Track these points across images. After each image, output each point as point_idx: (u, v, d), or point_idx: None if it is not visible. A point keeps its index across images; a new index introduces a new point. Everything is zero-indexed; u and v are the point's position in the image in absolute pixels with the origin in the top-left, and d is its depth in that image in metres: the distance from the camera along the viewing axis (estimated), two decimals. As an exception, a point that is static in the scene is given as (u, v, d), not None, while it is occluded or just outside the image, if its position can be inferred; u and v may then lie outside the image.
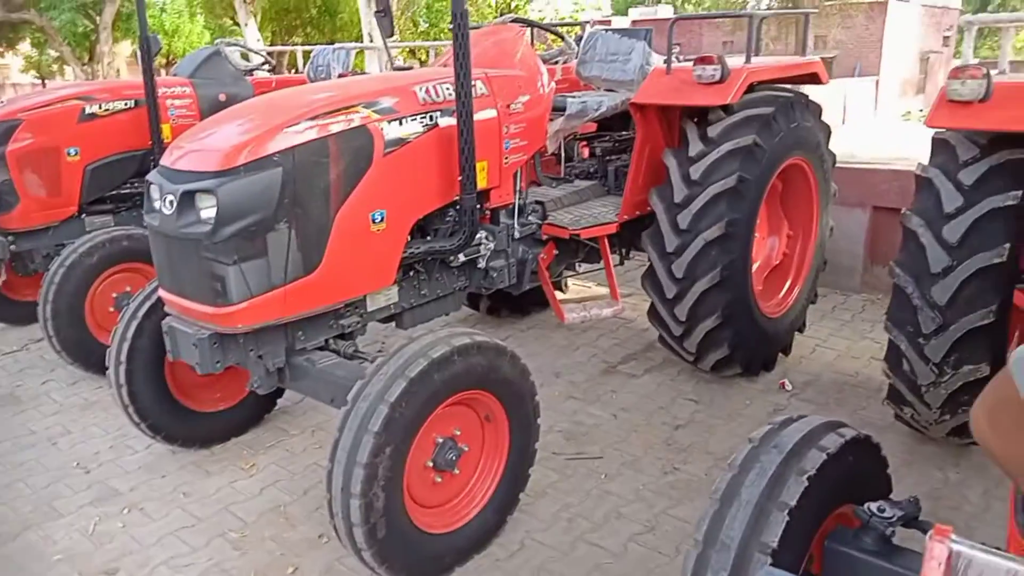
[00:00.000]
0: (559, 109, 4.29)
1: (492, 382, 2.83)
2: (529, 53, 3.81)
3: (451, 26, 3.01)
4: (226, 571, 2.96)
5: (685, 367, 4.50)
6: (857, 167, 5.90)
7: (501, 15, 13.27)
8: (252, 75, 5.95)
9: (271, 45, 26.73)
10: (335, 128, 2.89)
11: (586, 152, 4.87)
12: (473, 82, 3.39)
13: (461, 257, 3.57)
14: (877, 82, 26.51)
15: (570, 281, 5.63)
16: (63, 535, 3.20)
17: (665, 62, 4.02)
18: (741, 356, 4.17)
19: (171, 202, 2.73)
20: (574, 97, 4.37)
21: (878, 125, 23.66)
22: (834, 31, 19.41)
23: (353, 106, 2.98)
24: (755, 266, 4.59)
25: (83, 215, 5.03)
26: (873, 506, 1.86)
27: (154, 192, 2.83)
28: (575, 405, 4.22)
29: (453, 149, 3.21)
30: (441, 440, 2.79)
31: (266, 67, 6.14)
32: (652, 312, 4.16)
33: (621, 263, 4.72)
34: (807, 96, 4.27)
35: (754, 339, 4.19)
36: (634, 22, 35.28)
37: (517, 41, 3.79)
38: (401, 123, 3.09)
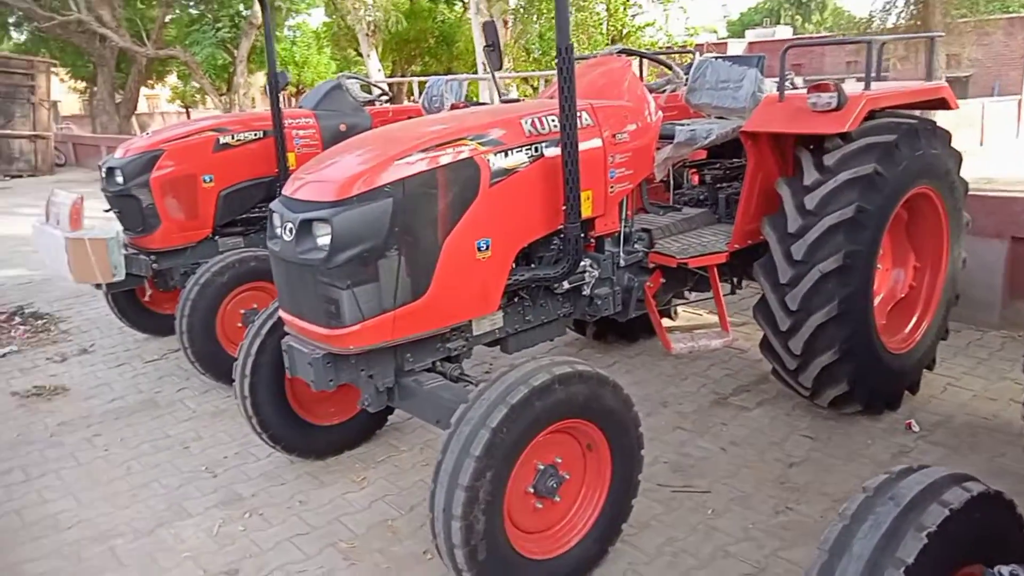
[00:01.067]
0: (668, 137, 4.28)
1: (593, 411, 2.84)
2: (635, 83, 3.83)
3: (556, 59, 3.08)
4: (335, 581, 3.10)
5: (800, 402, 4.34)
6: (995, 194, 5.54)
7: (612, 42, 13.33)
8: (371, 105, 6.26)
9: (391, 74, 27.94)
10: (444, 160, 3.00)
11: (696, 180, 4.81)
12: (580, 113, 3.47)
13: (566, 284, 3.61)
14: (1020, 102, 24.67)
15: (680, 309, 5.56)
16: (191, 534, 3.45)
17: (778, 89, 3.93)
18: (861, 393, 3.97)
19: (291, 229, 2.92)
20: (683, 125, 4.34)
21: (1021, 148, 22.01)
22: (968, 49, 18.24)
23: (462, 139, 3.09)
24: (878, 299, 4.38)
25: (216, 237, 5.43)
26: (1005, 569, 1.74)
27: (276, 220, 3.03)
28: (683, 436, 4.15)
29: (558, 179, 3.26)
30: (542, 467, 2.82)
31: (384, 98, 6.45)
32: (765, 344, 4.04)
33: (732, 292, 4.62)
34: (934, 122, 4.06)
35: (876, 375, 3.99)
36: (751, 44, 34.53)
37: (623, 72, 3.82)
38: (507, 155, 3.18)
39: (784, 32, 42.31)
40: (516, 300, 3.58)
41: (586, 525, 2.96)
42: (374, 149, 3.09)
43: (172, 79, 37.38)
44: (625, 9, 13.52)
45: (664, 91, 4.58)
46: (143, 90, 39.60)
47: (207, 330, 4.76)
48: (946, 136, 4.14)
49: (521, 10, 15.35)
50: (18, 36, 34.65)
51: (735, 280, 4.55)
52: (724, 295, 4.31)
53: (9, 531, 3.55)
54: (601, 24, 13.69)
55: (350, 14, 20.19)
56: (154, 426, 4.60)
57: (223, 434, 4.41)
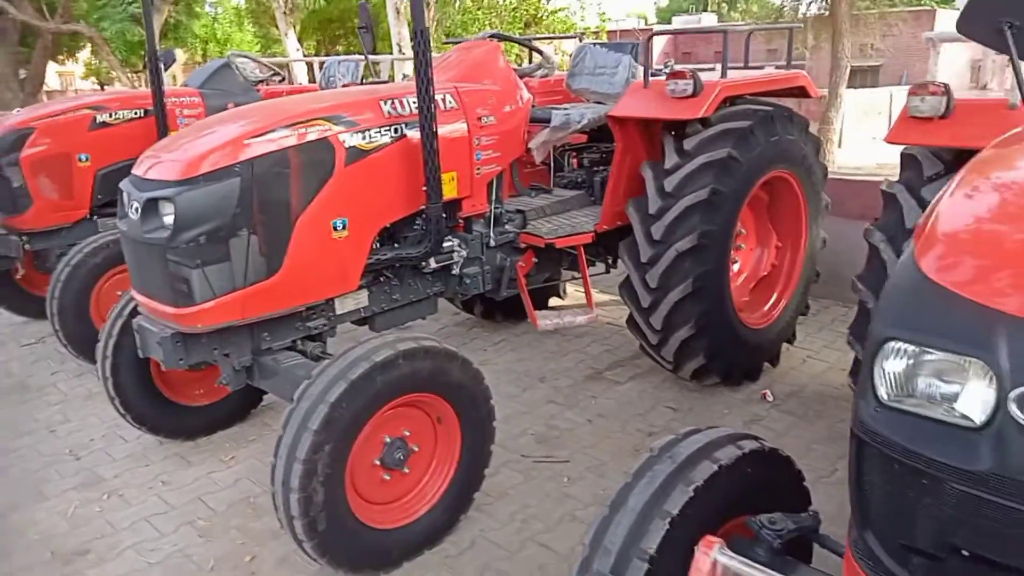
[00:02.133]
0: (545, 121, 4.38)
1: (441, 385, 2.92)
2: (504, 67, 3.90)
3: (412, 43, 3.12)
4: (188, 556, 3.11)
5: (669, 375, 4.53)
6: (860, 178, 5.85)
7: (526, 27, 13.42)
8: (263, 85, 6.16)
9: (316, 54, 27.32)
10: (295, 140, 3.02)
11: (576, 164, 4.93)
12: (442, 95, 3.53)
13: (433, 264, 3.66)
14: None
15: (569, 288, 5.70)
16: (44, 517, 3.40)
17: (644, 76, 4.07)
18: (719, 365, 4.18)
19: (137, 209, 2.89)
20: (559, 109, 4.45)
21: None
22: (878, 39, 19.04)
23: (316, 119, 3.10)
24: (742, 277, 4.60)
25: (96, 218, 5.28)
26: (765, 518, 1.89)
27: (125, 199, 3.00)
28: (553, 409, 4.28)
29: (419, 160, 3.31)
30: (389, 440, 2.88)
31: (276, 78, 6.36)
32: (630, 320, 4.20)
33: (607, 271, 4.77)
34: (790, 109, 4.27)
35: (734, 349, 4.20)
36: (677, 31, 35.15)
37: (493, 56, 3.89)
38: (364, 135, 3.21)
39: (709, 19, 43.06)
40: (382, 279, 3.63)
41: (436, 495, 3.05)
42: (226, 128, 3.08)
43: (86, 54, 35.77)
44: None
45: (535, 76, 4.67)
46: (56, 67, 37.71)
47: (80, 312, 4.65)
48: (803, 123, 4.36)
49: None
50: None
51: (611, 260, 4.70)
52: (599, 274, 4.42)
53: None
54: (514, 9, 13.75)
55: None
56: (21, 410, 4.48)
57: (93, 417, 4.33)
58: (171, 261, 2.86)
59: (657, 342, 4.06)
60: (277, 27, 27.30)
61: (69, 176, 5.03)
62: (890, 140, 3.18)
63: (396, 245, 3.55)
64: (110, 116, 5.17)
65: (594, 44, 4.78)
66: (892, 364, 1.23)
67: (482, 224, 3.94)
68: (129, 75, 22.50)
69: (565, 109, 4.45)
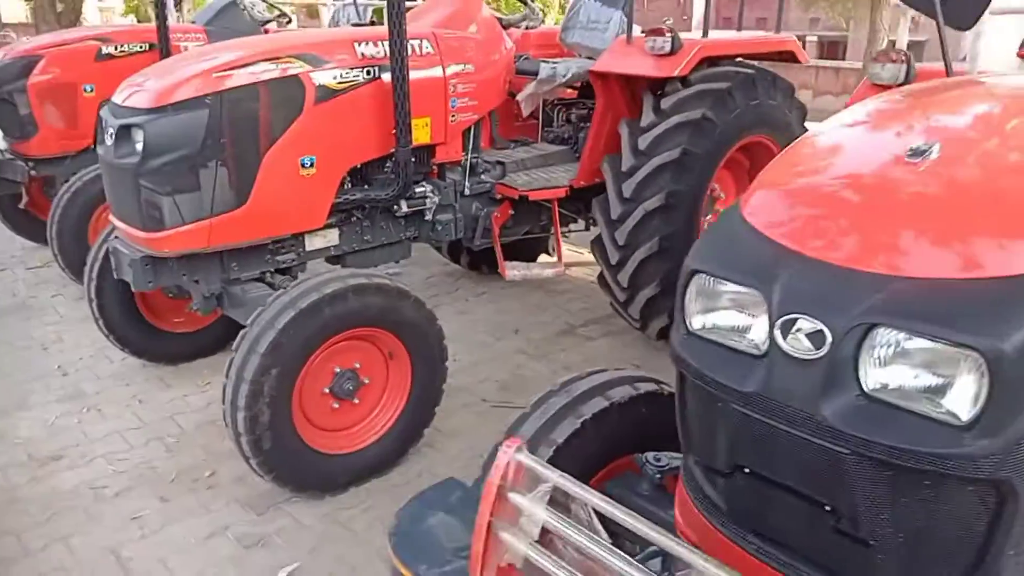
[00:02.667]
0: (532, 73, 4.42)
1: (391, 322, 3.05)
2: (487, 17, 3.94)
3: (386, -14, 3.19)
4: (153, 468, 3.31)
5: (640, 335, 4.61)
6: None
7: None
8: (269, 25, 6.24)
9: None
10: (265, 76, 3.12)
11: (566, 119, 4.97)
12: (420, 40, 3.60)
13: (404, 207, 3.76)
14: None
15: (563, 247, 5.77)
16: (26, 425, 3.62)
17: (627, 32, 4.08)
18: (684, 325, 4.24)
19: (112, 134, 3.03)
20: (547, 62, 4.48)
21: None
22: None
23: (287, 57, 3.19)
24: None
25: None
26: (651, 455, 2.00)
27: (103, 125, 3.13)
28: (521, 360, 4.40)
29: (391, 103, 3.40)
30: (340, 370, 3.03)
31: (284, 20, 6.43)
32: (601, 278, 4.28)
33: (587, 228, 4.84)
34: (774, 74, 4.26)
35: (701, 310, 4.26)
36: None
37: (475, 4, 3.92)
38: (336, 76, 3.30)
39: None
40: (353, 219, 3.74)
41: (385, 427, 3.20)
42: (201, 60, 3.18)
43: (125, -9, 35.90)
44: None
45: (520, 27, 4.69)
46: (97, 2, 37.93)
47: (79, 237, 4.84)
48: (788, 88, 4.35)
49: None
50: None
51: (590, 217, 4.75)
52: (579, 231, 4.49)
53: None
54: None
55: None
56: (20, 328, 4.72)
57: (85, 338, 4.54)
58: (143, 187, 3.00)
59: (624, 299, 4.14)
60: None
61: (74, 105, 5.19)
62: (848, 105, 3.19)
63: (366, 186, 3.65)
64: (115, 48, 5.30)
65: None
66: (695, 295, 1.32)
67: (458, 172, 4.02)
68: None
69: (553, 63, 4.48)
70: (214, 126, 3.01)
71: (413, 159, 3.60)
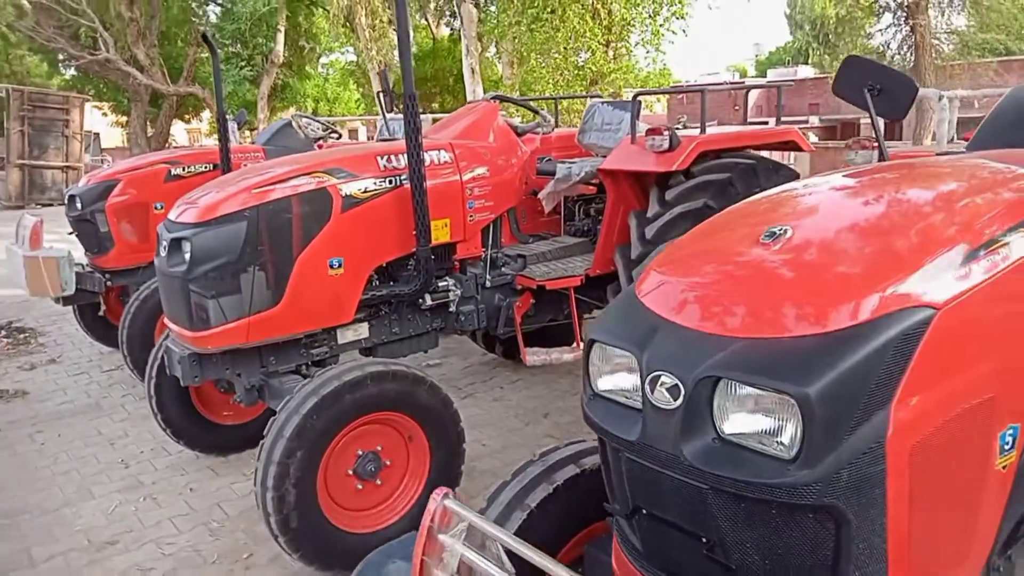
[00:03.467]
0: (552, 173, 4.78)
1: (408, 406, 3.30)
2: (502, 126, 4.33)
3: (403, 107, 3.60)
4: (198, 551, 3.57)
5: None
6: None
7: (592, 84, 13.95)
8: (322, 142, 6.85)
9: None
10: (298, 190, 3.53)
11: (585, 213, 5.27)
12: (438, 151, 4.00)
13: (428, 300, 4.07)
14: None
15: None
16: (88, 512, 3.96)
17: (632, 132, 4.41)
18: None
19: (165, 247, 3.46)
20: (564, 163, 4.83)
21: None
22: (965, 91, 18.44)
23: (316, 172, 3.61)
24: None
25: (168, 258, 6.01)
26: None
27: (159, 239, 3.58)
28: (547, 443, 4.53)
29: (412, 208, 3.76)
30: (362, 453, 3.28)
31: (334, 135, 7.05)
32: None
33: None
34: (776, 163, 4.49)
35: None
36: (769, 82, 35.17)
37: (490, 115, 4.33)
38: (360, 187, 3.70)
39: (805, 72, 42.61)
40: (382, 313, 4.06)
41: (407, 506, 3.40)
42: (242, 179, 3.63)
43: (209, 114, 39.02)
44: (602, 53, 14.11)
45: (538, 132, 5.08)
46: (184, 125, 41.20)
47: (145, 341, 5.29)
48: (792, 175, 4.55)
49: (520, 53, 16.07)
50: (66, 72, 36.61)
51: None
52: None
53: (-61, 506, 4.10)
54: (579, 68, 14.28)
55: (363, 54, 21.17)
56: (91, 426, 5.15)
57: (147, 433, 4.93)
58: (191, 292, 3.40)
59: None
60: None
61: (146, 222, 5.78)
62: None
63: (392, 283, 3.99)
64: (183, 169, 5.93)
65: (603, 103, 5.16)
66: (595, 362, 1.52)
67: (479, 266, 4.33)
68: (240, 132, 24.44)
69: (570, 163, 4.83)
70: (252, 235, 3.41)
71: (434, 256, 3.93)
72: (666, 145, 4.07)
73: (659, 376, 1.34)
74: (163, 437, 4.73)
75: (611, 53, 14.23)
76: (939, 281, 1.27)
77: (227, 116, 5.90)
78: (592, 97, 5.76)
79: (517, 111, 9.43)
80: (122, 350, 5.34)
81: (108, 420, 5.25)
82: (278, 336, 3.59)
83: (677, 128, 4.32)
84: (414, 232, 3.79)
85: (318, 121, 6.88)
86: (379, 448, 3.32)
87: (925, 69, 15.98)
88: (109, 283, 5.85)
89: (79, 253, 6.01)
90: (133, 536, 3.72)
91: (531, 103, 5.26)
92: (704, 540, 1.34)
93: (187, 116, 36.65)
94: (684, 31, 15.23)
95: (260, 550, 3.55)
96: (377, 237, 3.79)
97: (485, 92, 14.00)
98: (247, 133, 25.77)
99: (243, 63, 24.29)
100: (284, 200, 3.50)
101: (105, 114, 37.58)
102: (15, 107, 20.45)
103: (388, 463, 3.34)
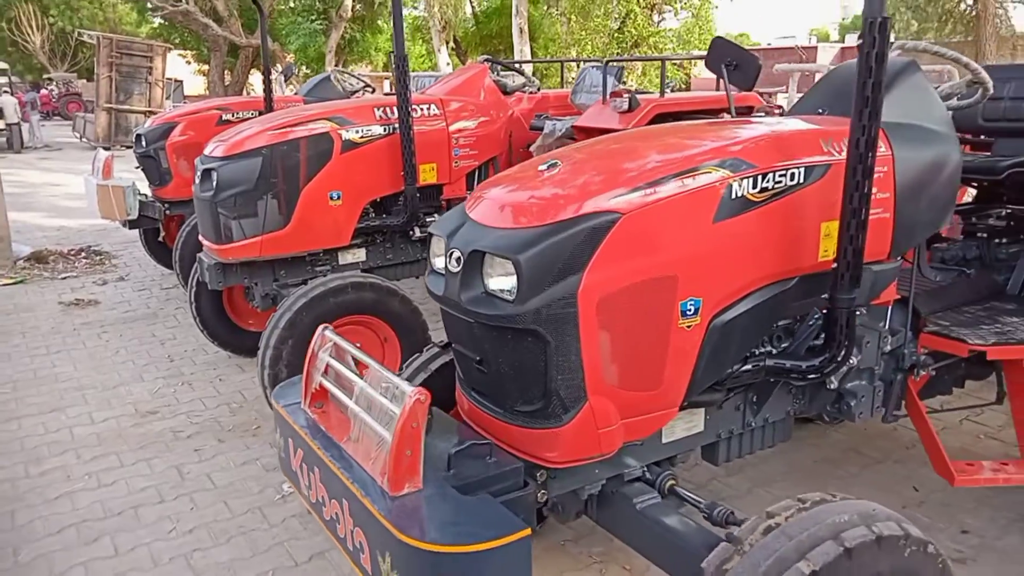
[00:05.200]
0: (541, 129, 5.42)
1: (383, 312, 4.07)
2: (489, 86, 4.99)
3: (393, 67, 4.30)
4: (219, 422, 4.43)
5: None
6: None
7: (635, 46, 14.23)
8: (357, 95, 7.61)
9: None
10: (305, 133, 4.29)
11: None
12: (429, 105, 4.69)
13: (418, 232, 4.80)
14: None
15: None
16: (138, 391, 4.90)
17: (603, 94, 5.00)
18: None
19: (199, 176, 4.28)
20: (551, 120, 5.46)
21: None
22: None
23: (322, 118, 4.37)
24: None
25: (218, 193, 6.91)
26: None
27: (196, 169, 4.41)
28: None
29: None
30: (345, 348, 4.05)
31: (368, 90, 7.79)
32: None
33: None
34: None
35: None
36: (843, 48, 34.41)
37: (479, 76, 4.99)
38: (358, 132, 4.43)
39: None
40: (378, 241, 4.83)
41: (380, 395, 4.18)
42: (265, 123, 4.41)
43: (280, 66, 40.49)
44: (645, 17, 14.34)
45: (525, 92, 5.69)
46: (261, 75, 42.85)
47: (193, 261, 6.13)
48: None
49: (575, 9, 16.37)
50: (153, 21, 38.44)
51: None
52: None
53: (23, 380, 5.11)
54: (619, 31, 14.57)
55: (428, 9, 21.82)
56: (147, 330, 6.14)
57: (192, 338, 5.86)
58: (219, 213, 4.22)
59: None
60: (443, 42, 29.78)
61: (199, 160, 6.67)
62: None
63: (384, 215, 4.74)
64: (232, 115, 6.76)
65: (593, 67, 5.73)
66: (431, 247, 2.21)
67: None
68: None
69: (556, 120, 5.45)
70: (266, 169, 4.20)
71: (422, 195, 4.65)
72: (626, 106, 4.66)
73: (453, 251, 2.03)
74: (204, 342, 5.66)
75: (655, 17, 14.49)
76: (627, 197, 1.91)
77: (281, 69, 6.71)
78: (586, 62, 6.32)
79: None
80: (175, 268, 6.29)
81: (161, 326, 6.23)
82: (286, 253, 4.39)
83: (641, 93, 4.89)
84: (403, 173, 4.52)
85: (355, 76, 7.62)
86: (358, 345, 4.09)
87: (985, 40, 15.66)
88: (168, 212, 6.79)
89: (145, 186, 6.97)
90: (170, 409, 4.64)
91: (517, 65, 5.88)
92: (477, 358, 2.04)
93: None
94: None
95: (267, 424, 4.41)
96: (371, 175, 4.53)
97: (532, 51, 14.48)
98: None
99: (315, 17, 25.25)
100: (294, 141, 4.27)
101: (189, 62, 39.44)
102: (104, 54, 21.94)
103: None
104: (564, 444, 1.98)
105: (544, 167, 2.14)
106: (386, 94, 7.61)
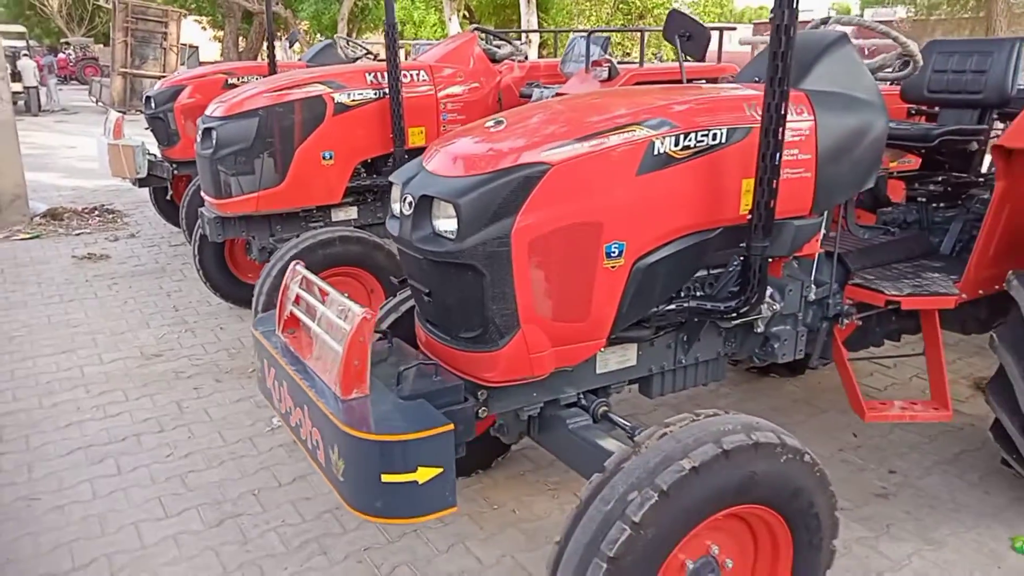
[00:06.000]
0: (529, 97, 5.66)
1: (369, 265, 4.38)
2: (478, 54, 5.23)
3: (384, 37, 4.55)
4: (218, 365, 4.77)
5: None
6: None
7: (640, 18, 14.31)
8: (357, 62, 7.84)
9: (487, 37, 29.46)
10: (299, 96, 4.56)
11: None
12: (418, 71, 4.95)
13: (406, 193, 5.08)
14: None
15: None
16: (144, 336, 5.25)
17: (586, 63, 5.23)
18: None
19: (200, 134, 4.57)
20: (539, 88, 5.69)
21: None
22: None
23: (316, 82, 4.63)
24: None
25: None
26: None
27: (198, 127, 4.70)
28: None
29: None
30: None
31: (369, 56, 8.02)
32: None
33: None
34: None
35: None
36: (611, 30, 34.31)
37: (468, 45, 5.23)
38: (349, 95, 4.70)
39: (903, 12, 40.78)
40: (369, 200, 5.12)
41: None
42: (261, 86, 4.69)
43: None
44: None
45: (513, 60, 5.90)
46: (278, 42, 42.93)
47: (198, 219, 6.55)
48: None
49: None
50: (169, -14, 38.42)
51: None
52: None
53: (38, 326, 5.47)
54: (623, 2, 14.66)
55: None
56: (155, 282, 6.48)
57: (196, 291, 6.19)
58: (218, 169, 4.52)
59: None
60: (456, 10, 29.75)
61: (206, 122, 6.96)
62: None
63: (375, 175, 5.02)
64: (237, 80, 7.03)
65: (581, 37, 5.95)
66: (392, 194, 2.49)
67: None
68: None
69: (543, 88, 5.69)
70: (263, 129, 4.48)
71: (409, 157, 4.90)
72: (606, 75, 4.90)
73: (407, 197, 2.30)
74: (207, 294, 5.99)
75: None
76: (558, 151, 2.18)
77: (284, 36, 6.95)
78: (573, 32, 6.52)
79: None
80: (182, 225, 6.61)
81: (168, 280, 6.57)
82: (281, 208, 4.69)
83: (623, 63, 5.11)
84: (391, 135, 4.78)
85: (358, 43, 7.86)
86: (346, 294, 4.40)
87: (997, 16, 15.61)
88: (176, 172, 7.09)
89: (154, 147, 7.27)
90: (173, 352, 4.98)
91: (505, 34, 6.10)
92: (427, 291, 2.33)
93: (279, 33, 38.16)
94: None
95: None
96: (362, 137, 4.80)
97: (540, 22, 14.57)
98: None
99: (326, -16, 25.29)
100: (289, 103, 4.54)
101: (204, 28, 39.57)
102: (120, 19, 22.15)
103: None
104: (500, 366, 2.28)
105: (491, 124, 2.40)
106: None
